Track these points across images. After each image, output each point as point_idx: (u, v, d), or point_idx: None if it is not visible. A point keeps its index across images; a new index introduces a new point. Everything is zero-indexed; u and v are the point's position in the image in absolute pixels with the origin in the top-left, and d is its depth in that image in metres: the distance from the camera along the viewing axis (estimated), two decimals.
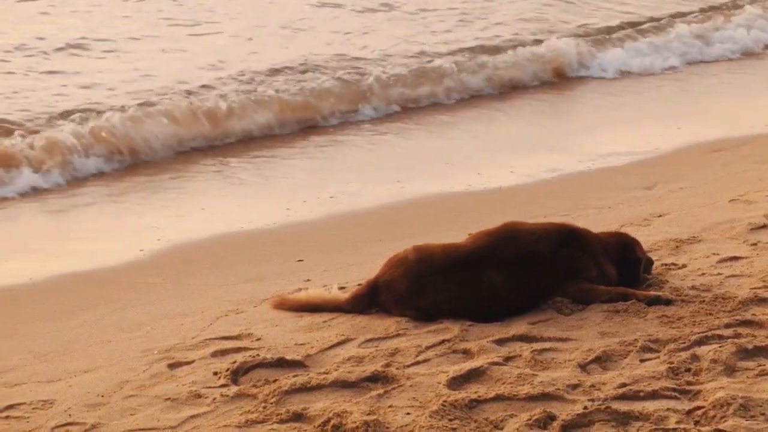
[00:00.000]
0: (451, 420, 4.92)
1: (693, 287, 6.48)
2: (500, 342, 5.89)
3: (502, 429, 4.86)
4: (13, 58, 14.29)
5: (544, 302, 6.36)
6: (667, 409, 4.93)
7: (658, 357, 5.53)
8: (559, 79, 15.32)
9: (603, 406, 4.95)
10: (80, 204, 10.25)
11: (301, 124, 12.84)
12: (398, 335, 6.10)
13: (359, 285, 6.76)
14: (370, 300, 6.51)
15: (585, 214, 8.87)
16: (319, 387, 5.41)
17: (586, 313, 6.22)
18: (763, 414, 4.78)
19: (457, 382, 5.37)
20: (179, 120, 12.21)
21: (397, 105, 13.69)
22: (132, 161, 11.47)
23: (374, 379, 5.46)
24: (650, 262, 6.83)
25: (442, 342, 5.91)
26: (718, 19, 17.61)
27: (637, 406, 4.97)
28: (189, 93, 13.07)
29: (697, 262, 7.01)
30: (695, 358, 5.46)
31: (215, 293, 7.50)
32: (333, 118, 13.08)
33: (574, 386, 5.24)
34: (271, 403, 5.26)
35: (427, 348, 5.85)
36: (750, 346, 5.51)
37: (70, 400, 5.57)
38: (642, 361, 5.53)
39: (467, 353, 5.77)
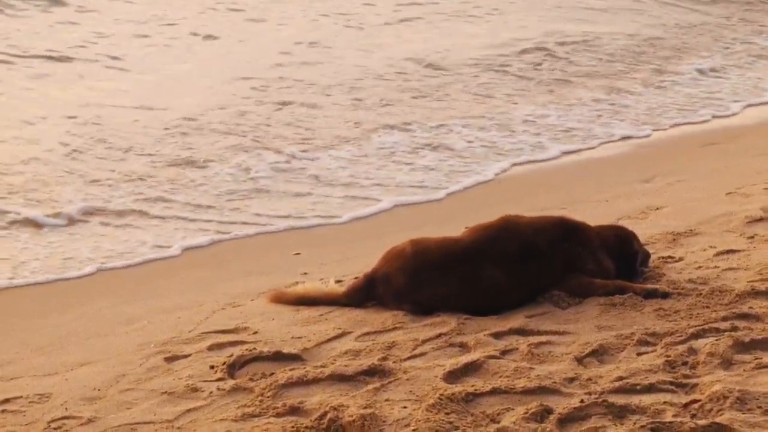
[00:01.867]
0: (447, 414, 4.92)
1: (690, 280, 6.48)
2: (497, 335, 5.88)
3: (498, 422, 4.85)
4: None
5: (542, 296, 6.36)
6: (664, 403, 4.92)
7: (655, 350, 5.53)
8: None
9: (600, 400, 4.94)
10: None
11: None
12: (395, 329, 6.09)
13: (356, 278, 6.76)
14: (367, 293, 6.51)
15: (582, 207, 8.88)
16: (315, 380, 5.41)
17: (583, 306, 6.22)
18: (759, 407, 4.77)
19: (454, 375, 5.36)
20: None
21: None
22: None
23: (371, 372, 5.46)
24: (647, 255, 6.83)
25: (439, 335, 5.91)
26: None
27: (634, 400, 4.96)
28: None
29: (694, 255, 7.01)
30: (692, 351, 5.45)
31: (212, 287, 7.50)
32: None
33: (571, 380, 5.24)
34: (268, 397, 5.26)
35: (424, 341, 5.85)
36: (747, 339, 5.50)
37: (67, 394, 5.56)
38: (639, 354, 5.52)
39: (464, 347, 5.77)
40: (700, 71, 15.35)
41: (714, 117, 13.08)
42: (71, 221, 8.97)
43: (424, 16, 18.64)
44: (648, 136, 12.21)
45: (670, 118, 12.94)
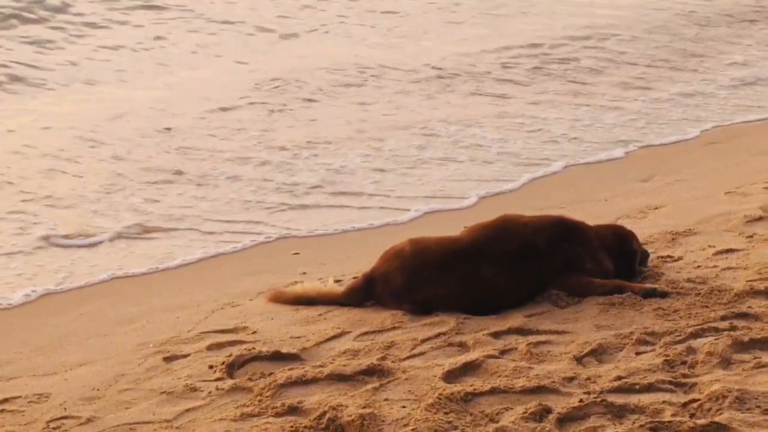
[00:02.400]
0: (446, 413, 4.92)
1: (689, 280, 6.49)
2: (496, 335, 5.88)
3: (497, 422, 4.85)
4: None
5: (540, 295, 6.36)
6: (663, 402, 4.93)
7: (654, 350, 5.53)
8: None
9: (599, 399, 4.95)
10: None
11: None
12: (394, 328, 6.09)
13: (355, 278, 6.76)
14: (366, 293, 6.51)
15: (581, 206, 8.87)
16: (314, 380, 5.41)
17: (582, 305, 6.22)
18: (758, 407, 4.78)
19: (453, 375, 5.36)
20: None
21: None
22: None
23: (370, 372, 5.46)
24: (646, 254, 6.83)
25: (438, 335, 5.91)
26: None
27: (633, 399, 4.96)
28: None
29: (692, 255, 7.02)
30: (691, 350, 5.46)
31: (211, 286, 7.50)
32: None
33: (570, 379, 5.24)
34: (267, 397, 5.26)
35: (423, 341, 5.85)
36: (746, 339, 5.50)
37: (66, 394, 5.56)
38: (638, 353, 5.53)
39: (463, 346, 5.77)
40: (733, 70, 15.22)
41: (760, 119, 12.86)
42: (96, 239, 8.73)
43: (431, 14, 18.61)
44: (696, 137, 12.03)
45: (713, 121, 12.69)
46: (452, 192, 10.02)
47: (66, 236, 8.69)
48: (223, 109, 12.58)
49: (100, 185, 9.99)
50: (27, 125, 11.90)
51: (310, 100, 13.24)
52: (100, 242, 8.65)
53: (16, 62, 14.38)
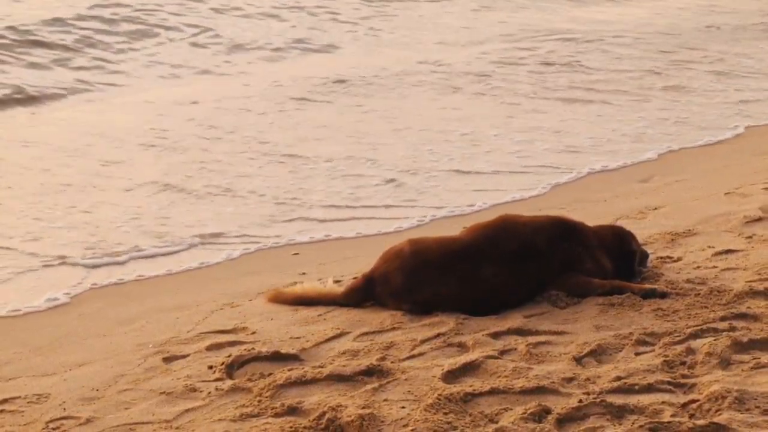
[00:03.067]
0: (446, 414, 4.92)
1: (688, 280, 6.49)
2: (495, 335, 5.89)
3: (497, 422, 4.85)
4: None
5: (540, 295, 6.37)
6: (662, 403, 4.93)
7: (653, 350, 5.53)
8: None
9: (598, 400, 4.95)
10: None
11: None
12: (393, 329, 6.10)
13: (354, 278, 6.76)
14: (366, 293, 6.51)
15: (581, 206, 8.88)
16: (314, 381, 5.41)
17: (581, 306, 6.23)
18: (758, 407, 4.78)
19: (453, 375, 5.37)
20: None
21: None
22: None
23: (369, 372, 5.46)
24: (645, 255, 6.83)
25: (438, 335, 5.91)
26: None
27: (632, 400, 4.97)
28: None
29: (692, 255, 7.02)
30: (690, 351, 5.46)
31: (210, 287, 7.50)
32: None
33: (569, 380, 5.24)
34: (266, 397, 5.26)
35: (423, 341, 5.85)
36: (745, 339, 5.51)
37: (65, 394, 5.56)
38: (637, 354, 5.53)
39: (462, 347, 5.77)
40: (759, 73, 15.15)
41: None
42: (117, 259, 8.58)
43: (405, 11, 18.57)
44: (735, 137, 11.94)
45: (744, 125, 12.46)
46: (466, 200, 9.82)
47: (83, 255, 8.60)
48: (236, 118, 12.52)
49: (118, 200, 9.85)
50: (39, 137, 11.86)
51: (319, 103, 13.18)
52: (122, 260, 8.54)
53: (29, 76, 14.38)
